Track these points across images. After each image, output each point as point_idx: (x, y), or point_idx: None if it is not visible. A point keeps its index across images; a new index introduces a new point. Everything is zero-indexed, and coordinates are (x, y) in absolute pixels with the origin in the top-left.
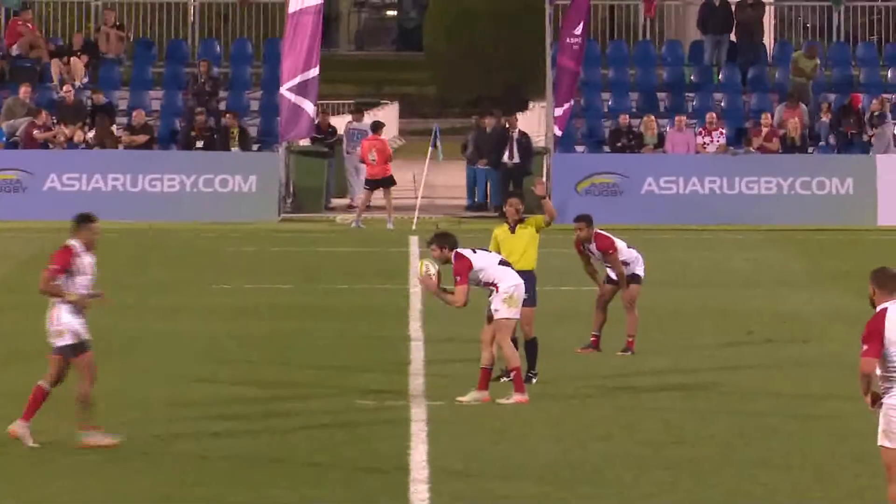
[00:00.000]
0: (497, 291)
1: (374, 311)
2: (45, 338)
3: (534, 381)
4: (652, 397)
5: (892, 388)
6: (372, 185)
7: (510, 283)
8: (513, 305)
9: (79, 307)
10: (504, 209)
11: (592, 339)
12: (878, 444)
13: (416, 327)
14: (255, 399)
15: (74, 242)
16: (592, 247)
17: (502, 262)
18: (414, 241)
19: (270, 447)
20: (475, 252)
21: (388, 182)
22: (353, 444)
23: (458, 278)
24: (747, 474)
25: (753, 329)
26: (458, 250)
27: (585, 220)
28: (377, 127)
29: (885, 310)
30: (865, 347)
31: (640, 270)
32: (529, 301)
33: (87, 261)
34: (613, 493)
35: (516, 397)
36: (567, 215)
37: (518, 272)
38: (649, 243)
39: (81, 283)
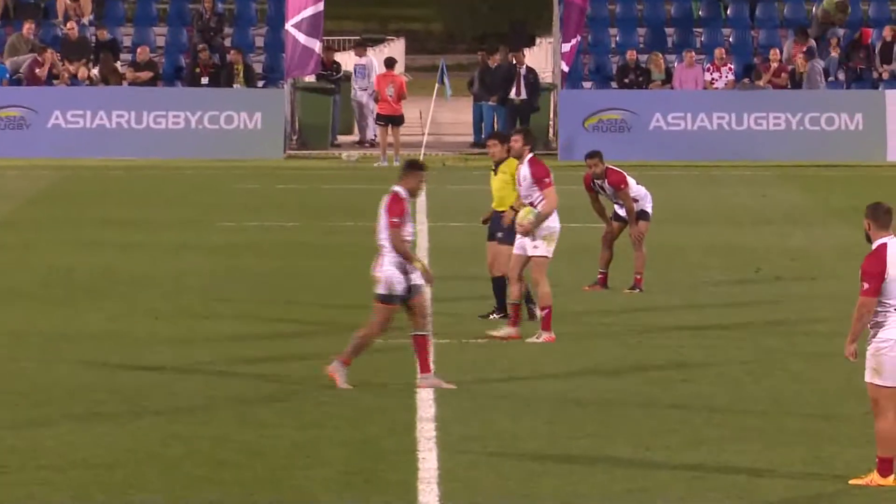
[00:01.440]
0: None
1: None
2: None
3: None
4: (660, 335)
5: (885, 322)
6: (384, 120)
7: (554, 223)
8: (551, 244)
9: (407, 262)
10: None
11: (600, 276)
12: (867, 380)
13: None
14: (259, 337)
15: (400, 189)
16: (604, 183)
17: None
18: None
19: (276, 386)
20: None
21: (397, 120)
22: (358, 383)
23: (546, 180)
24: (756, 412)
25: (762, 266)
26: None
27: (598, 156)
28: (391, 63)
29: (884, 245)
30: (867, 285)
31: (648, 207)
32: (507, 238)
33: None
34: (622, 432)
35: (545, 336)
36: (574, 152)
37: (495, 211)
38: (657, 180)
39: (409, 231)
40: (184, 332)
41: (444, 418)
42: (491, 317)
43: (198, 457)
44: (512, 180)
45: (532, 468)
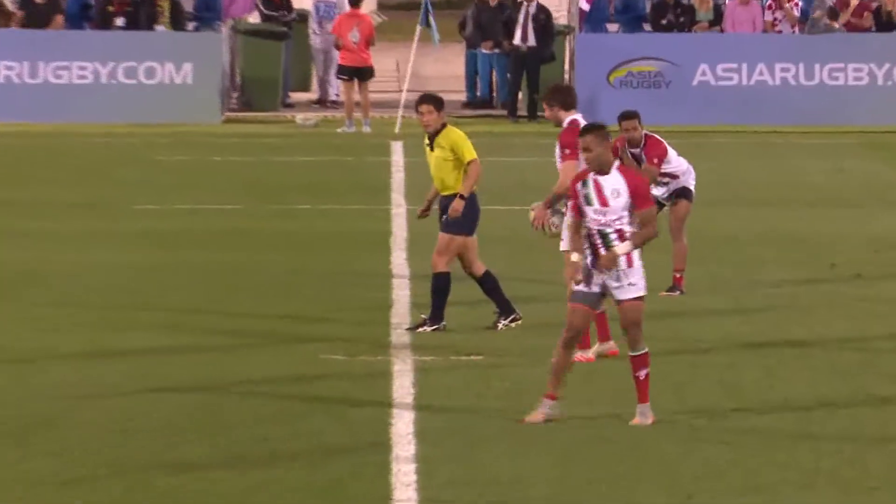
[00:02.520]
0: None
1: (345, 238)
2: None
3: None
4: (707, 350)
5: None
6: (348, 74)
7: None
8: None
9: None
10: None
11: None
12: None
13: (399, 260)
14: (189, 351)
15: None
16: (639, 153)
17: None
18: (397, 148)
19: (209, 416)
20: None
21: (365, 73)
22: (317, 412)
23: (567, 151)
24: (830, 450)
25: (837, 261)
26: (576, 117)
27: (636, 117)
28: (357, 0)
29: None
30: None
31: (691, 184)
32: (456, 228)
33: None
34: (657, 474)
35: (578, 354)
36: (597, 112)
37: (442, 197)
38: (702, 149)
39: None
40: (89, 345)
41: (427, 458)
42: (499, 326)
43: None
44: (452, 155)
45: None
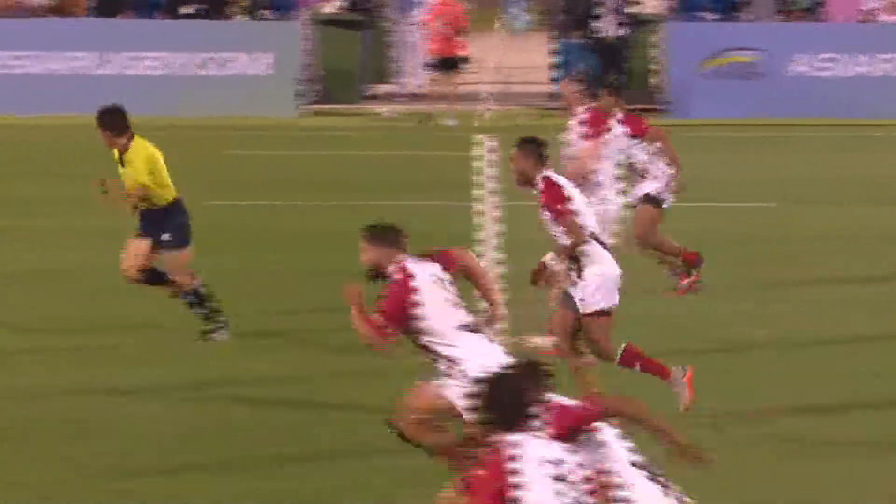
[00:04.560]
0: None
1: (426, 236)
2: None
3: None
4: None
5: None
6: (437, 65)
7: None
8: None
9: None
10: None
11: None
12: None
13: (487, 259)
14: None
15: None
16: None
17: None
18: (481, 143)
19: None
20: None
21: (454, 63)
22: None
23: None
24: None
25: None
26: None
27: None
28: None
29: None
30: None
31: (657, 189)
32: (176, 243)
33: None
34: None
35: None
36: (688, 104)
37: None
38: (797, 143)
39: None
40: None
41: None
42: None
43: None
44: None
45: None
